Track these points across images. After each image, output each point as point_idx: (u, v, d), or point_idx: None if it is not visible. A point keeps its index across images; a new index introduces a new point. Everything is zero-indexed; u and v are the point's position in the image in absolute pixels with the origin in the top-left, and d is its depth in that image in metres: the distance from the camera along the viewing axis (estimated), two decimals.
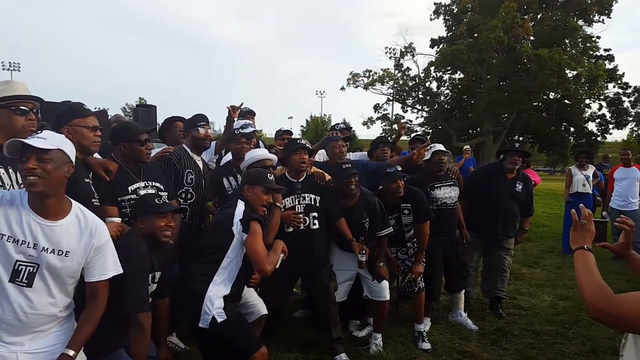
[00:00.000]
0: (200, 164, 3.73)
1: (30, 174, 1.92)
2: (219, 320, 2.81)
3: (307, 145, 3.81)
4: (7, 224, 1.95)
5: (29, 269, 1.97)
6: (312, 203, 3.79)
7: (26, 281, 1.97)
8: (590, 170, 7.95)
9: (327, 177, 4.00)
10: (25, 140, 1.95)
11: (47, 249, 2.00)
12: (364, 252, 3.69)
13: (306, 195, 3.78)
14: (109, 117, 5.70)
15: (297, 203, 3.76)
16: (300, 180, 3.80)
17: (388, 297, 3.97)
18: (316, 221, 3.78)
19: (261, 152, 3.83)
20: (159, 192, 3.10)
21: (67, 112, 2.67)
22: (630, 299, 1.44)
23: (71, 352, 2.05)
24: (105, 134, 3.23)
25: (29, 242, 1.97)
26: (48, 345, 2.07)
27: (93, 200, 2.60)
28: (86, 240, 2.11)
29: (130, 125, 3.40)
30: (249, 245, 2.86)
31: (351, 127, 5.07)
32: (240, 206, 3.03)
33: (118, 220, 2.84)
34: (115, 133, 3.14)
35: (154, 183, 3.14)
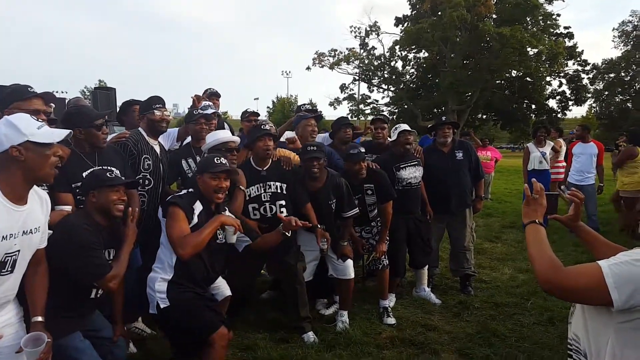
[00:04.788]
0: (157, 148, 3.63)
1: None
2: (162, 306, 2.74)
3: (271, 131, 3.73)
4: None
5: (14, 258, 1.94)
6: (279, 191, 3.74)
7: (10, 269, 1.94)
8: (548, 147, 8.08)
9: (296, 158, 3.97)
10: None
11: (26, 231, 1.97)
12: (325, 240, 3.69)
13: (272, 183, 3.74)
14: (68, 100, 5.52)
15: (262, 191, 3.71)
16: (265, 168, 3.75)
17: (352, 276, 4.02)
18: (283, 209, 3.73)
19: (224, 135, 3.75)
20: None
21: (9, 95, 2.58)
22: (577, 271, 1.50)
23: (40, 318, 2.09)
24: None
25: (15, 234, 1.91)
26: (6, 319, 2.05)
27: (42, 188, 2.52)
28: (45, 211, 2.14)
29: (85, 109, 3.28)
30: (166, 230, 2.81)
31: (317, 109, 5.03)
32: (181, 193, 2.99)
33: (68, 208, 2.76)
34: (70, 118, 3.03)
35: (109, 168, 3.04)
